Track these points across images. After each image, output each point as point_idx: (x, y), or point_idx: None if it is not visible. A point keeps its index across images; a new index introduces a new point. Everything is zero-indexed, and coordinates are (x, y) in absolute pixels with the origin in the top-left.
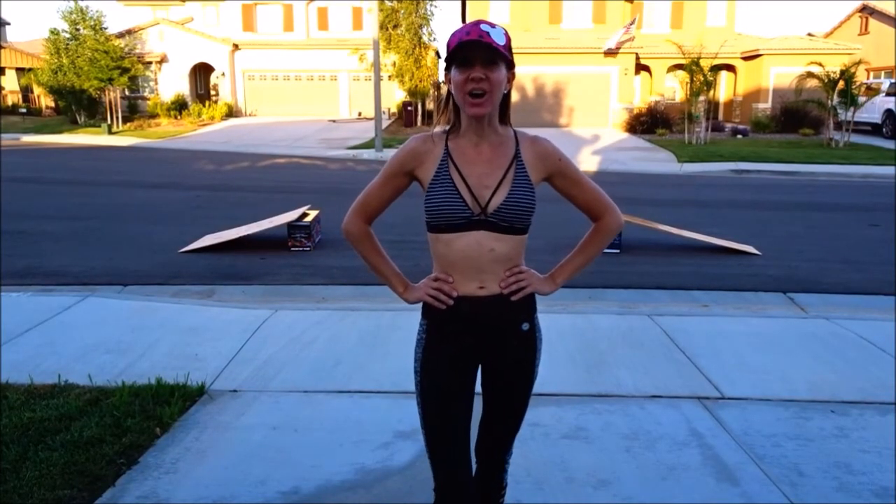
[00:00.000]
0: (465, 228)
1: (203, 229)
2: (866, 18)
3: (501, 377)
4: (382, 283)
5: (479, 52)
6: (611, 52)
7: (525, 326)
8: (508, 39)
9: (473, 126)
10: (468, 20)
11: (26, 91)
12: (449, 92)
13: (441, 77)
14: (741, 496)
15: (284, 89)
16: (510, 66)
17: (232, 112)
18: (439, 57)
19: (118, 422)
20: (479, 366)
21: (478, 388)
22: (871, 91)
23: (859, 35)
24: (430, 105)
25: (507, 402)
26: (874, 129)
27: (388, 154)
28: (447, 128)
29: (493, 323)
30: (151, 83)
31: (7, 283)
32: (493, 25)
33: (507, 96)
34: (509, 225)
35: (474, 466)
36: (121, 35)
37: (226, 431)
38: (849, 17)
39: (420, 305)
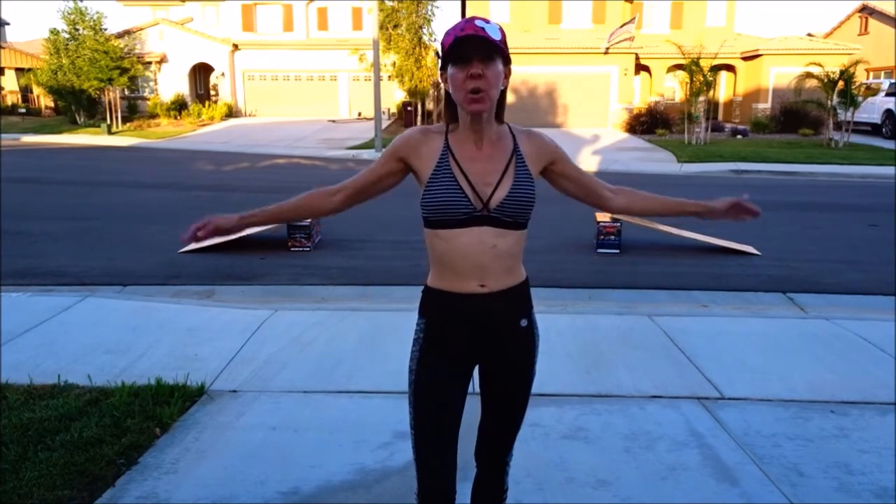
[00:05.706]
0: (467, 224)
1: None
2: (866, 18)
3: (501, 376)
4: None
5: (476, 48)
6: (608, 49)
7: (524, 322)
8: (503, 34)
9: (473, 123)
10: None
11: (26, 91)
12: (447, 90)
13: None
14: (741, 496)
15: (284, 89)
16: (507, 61)
17: (232, 112)
18: (439, 57)
19: (118, 422)
20: (476, 367)
21: (470, 390)
22: (871, 91)
23: (859, 35)
24: (430, 105)
25: (507, 402)
26: (874, 130)
27: None
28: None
29: (493, 320)
30: (151, 83)
31: (7, 283)
32: (487, 21)
33: (503, 93)
34: (512, 220)
35: (473, 470)
36: (120, 35)
37: (225, 431)
38: (849, 18)
39: (418, 305)
